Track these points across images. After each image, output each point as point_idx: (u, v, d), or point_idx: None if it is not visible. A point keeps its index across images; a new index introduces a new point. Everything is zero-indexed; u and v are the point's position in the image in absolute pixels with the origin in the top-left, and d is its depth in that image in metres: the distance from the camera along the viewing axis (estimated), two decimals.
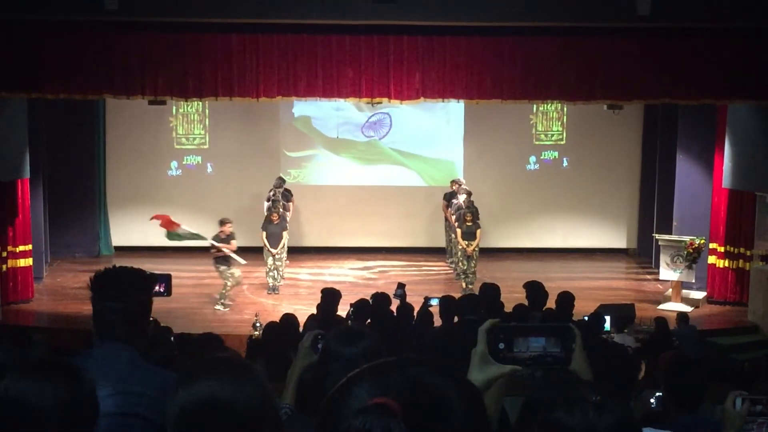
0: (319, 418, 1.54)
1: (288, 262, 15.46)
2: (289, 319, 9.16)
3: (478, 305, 9.04)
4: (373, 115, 17.31)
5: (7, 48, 11.89)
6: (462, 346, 3.00)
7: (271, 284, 14.75)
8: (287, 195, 16.01)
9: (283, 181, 16.06)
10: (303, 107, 17.20)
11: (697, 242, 13.78)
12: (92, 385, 2.39)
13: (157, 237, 17.40)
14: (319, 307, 9.82)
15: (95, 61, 12.11)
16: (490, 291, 9.61)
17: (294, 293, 14.69)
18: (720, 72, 12.20)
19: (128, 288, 3.23)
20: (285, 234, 14.89)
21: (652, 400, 4.79)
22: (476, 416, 1.54)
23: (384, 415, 1.43)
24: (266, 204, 15.42)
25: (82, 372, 2.39)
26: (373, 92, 12.51)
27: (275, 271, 14.74)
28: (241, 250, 17.08)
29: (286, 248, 14.98)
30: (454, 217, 15.45)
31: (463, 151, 17.65)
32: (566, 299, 9.59)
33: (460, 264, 14.94)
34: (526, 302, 9.50)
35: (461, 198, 15.41)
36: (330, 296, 9.74)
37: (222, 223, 14.10)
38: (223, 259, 13.96)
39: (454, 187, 16.16)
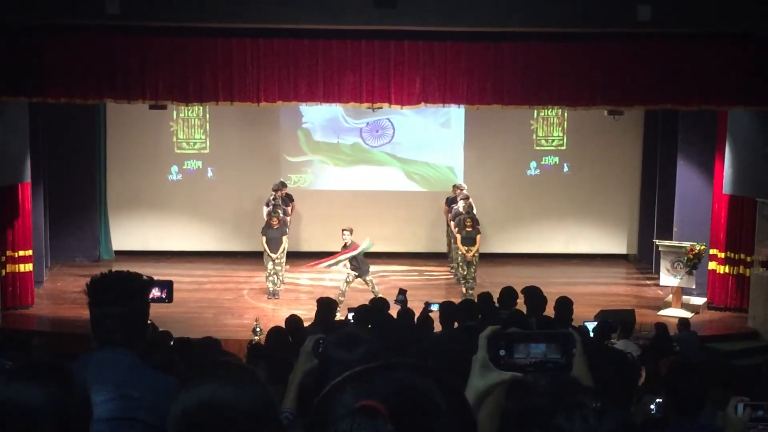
0: (308, 425, 1.55)
1: (288, 267, 15.45)
2: (294, 320, 9.17)
3: (477, 311, 9.05)
4: (374, 121, 17.30)
5: (9, 52, 11.89)
6: (462, 352, 3.00)
7: (271, 289, 14.73)
8: (287, 200, 16.00)
9: (284, 185, 16.06)
10: (305, 112, 17.22)
11: (698, 248, 13.76)
12: (84, 386, 2.39)
13: (157, 241, 17.45)
14: (316, 316, 9.81)
15: (96, 65, 12.12)
16: (507, 296, 9.63)
17: (294, 298, 14.67)
18: (721, 78, 12.20)
19: (125, 293, 3.22)
20: (285, 239, 14.87)
21: (652, 407, 4.78)
22: (461, 415, 1.54)
23: (371, 417, 1.43)
24: (266, 209, 15.42)
25: (73, 374, 2.38)
26: (374, 97, 12.52)
27: (275, 276, 14.73)
28: (242, 255, 17.12)
29: (285, 253, 14.96)
30: (453, 223, 15.43)
31: (463, 157, 17.65)
32: (564, 304, 9.58)
33: (460, 269, 14.92)
34: (524, 307, 9.50)
35: (461, 204, 15.40)
36: (326, 306, 9.72)
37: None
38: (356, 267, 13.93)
39: (456, 192, 16.16)
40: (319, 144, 17.56)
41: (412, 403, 1.48)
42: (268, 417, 2.12)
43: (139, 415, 3.04)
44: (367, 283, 13.85)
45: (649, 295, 15.31)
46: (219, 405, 2.05)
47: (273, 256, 14.60)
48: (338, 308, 11.44)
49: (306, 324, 9.65)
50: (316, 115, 17.20)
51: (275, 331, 8.54)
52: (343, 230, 14.14)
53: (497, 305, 9.55)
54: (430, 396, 1.50)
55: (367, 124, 17.41)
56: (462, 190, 16.07)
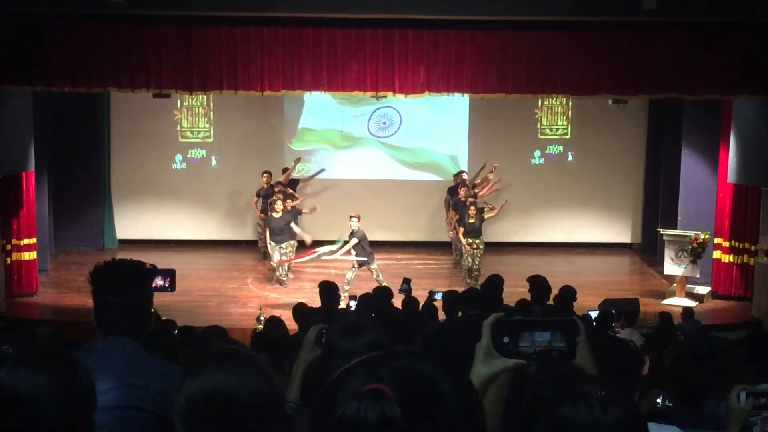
0: (314, 411, 1.55)
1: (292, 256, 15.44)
2: (301, 309, 9.16)
3: (480, 300, 9.05)
4: (379, 110, 17.28)
5: (13, 40, 11.89)
6: (466, 340, 3.00)
7: (277, 275, 14.74)
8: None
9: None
10: (309, 102, 17.20)
11: (702, 237, 13.75)
12: (89, 375, 2.39)
13: (161, 230, 17.47)
14: (321, 302, 9.78)
15: (100, 54, 12.12)
16: (495, 284, 9.61)
17: (298, 287, 14.67)
18: (726, 67, 12.17)
19: (128, 281, 3.22)
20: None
21: (658, 400, 4.77)
22: (468, 400, 1.55)
23: (378, 400, 1.44)
24: (257, 198, 15.42)
25: (78, 362, 2.38)
26: (378, 86, 12.50)
27: (281, 265, 14.72)
28: (247, 245, 17.14)
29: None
30: (457, 216, 15.19)
31: (467, 146, 17.63)
32: (567, 293, 9.57)
33: (465, 260, 14.72)
34: (529, 296, 9.50)
35: (463, 192, 15.25)
36: (328, 290, 9.69)
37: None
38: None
39: (458, 181, 16.07)
40: (323, 133, 17.54)
41: (419, 389, 1.49)
42: (273, 405, 2.12)
43: (144, 403, 3.05)
44: (371, 272, 13.83)
45: (653, 284, 15.30)
46: (223, 393, 2.05)
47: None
48: (341, 297, 11.44)
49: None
50: (321, 104, 17.18)
51: (272, 321, 8.52)
52: (350, 216, 14.12)
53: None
54: (437, 381, 1.51)
55: (373, 112, 17.39)
56: (464, 179, 16.00)
